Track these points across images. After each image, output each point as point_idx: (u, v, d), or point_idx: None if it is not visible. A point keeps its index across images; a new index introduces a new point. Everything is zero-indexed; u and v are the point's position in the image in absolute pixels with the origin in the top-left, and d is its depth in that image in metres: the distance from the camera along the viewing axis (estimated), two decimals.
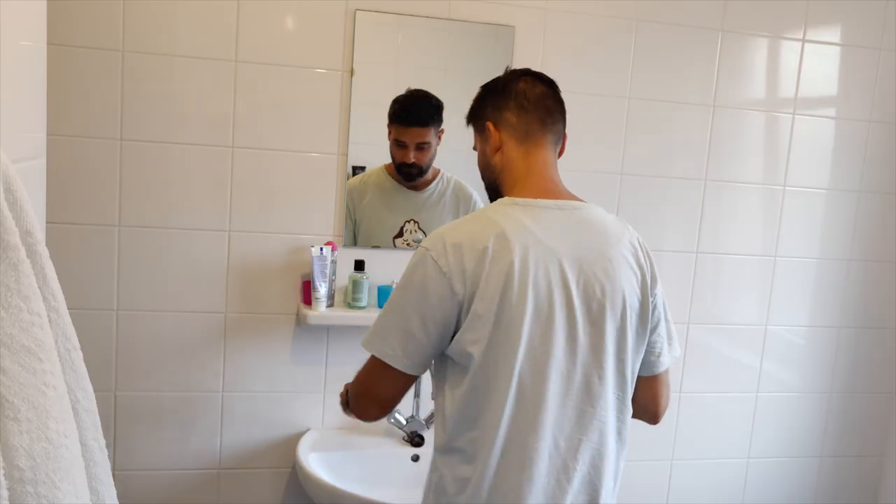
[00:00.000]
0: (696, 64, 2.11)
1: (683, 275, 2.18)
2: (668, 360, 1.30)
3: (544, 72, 1.31)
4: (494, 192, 1.30)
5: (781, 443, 2.33)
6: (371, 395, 1.26)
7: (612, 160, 2.09)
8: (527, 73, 1.30)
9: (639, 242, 1.26)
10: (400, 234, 2.00)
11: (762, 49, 2.16)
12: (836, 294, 2.30)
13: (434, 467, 1.26)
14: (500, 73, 1.36)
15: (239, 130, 1.87)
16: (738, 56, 2.13)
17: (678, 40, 2.08)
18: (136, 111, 1.80)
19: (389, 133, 1.96)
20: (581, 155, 2.01)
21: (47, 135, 1.20)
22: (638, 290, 1.22)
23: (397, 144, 1.96)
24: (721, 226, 2.19)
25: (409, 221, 2.00)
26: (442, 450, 1.23)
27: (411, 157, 1.95)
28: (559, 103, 1.29)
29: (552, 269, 1.15)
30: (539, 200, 1.20)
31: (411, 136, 1.95)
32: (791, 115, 2.19)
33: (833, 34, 2.19)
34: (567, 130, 1.32)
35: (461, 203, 2.03)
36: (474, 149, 1.35)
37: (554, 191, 1.25)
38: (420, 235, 2.00)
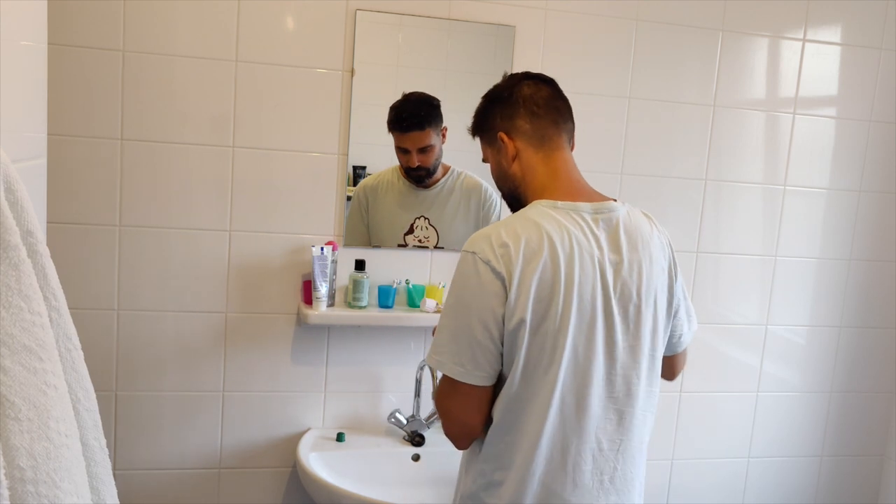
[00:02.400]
0: (696, 64, 2.11)
1: (683, 275, 2.17)
2: (688, 339, 1.33)
3: (544, 72, 1.31)
4: (516, 201, 1.27)
5: (782, 442, 2.33)
6: (453, 419, 1.19)
7: (612, 160, 2.09)
8: (528, 77, 1.27)
9: (665, 238, 1.27)
10: (410, 231, 2.00)
11: (762, 49, 2.16)
12: (836, 294, 2.30)
13: (465, 472, 1.24)
14: (500, 72, 1.35)
15: (239, 130, 1.87)
16: (738, 56, 2.13)
17: (678, 40, 2.08)
18: (136, 111, 1.80)
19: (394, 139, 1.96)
20: (581, 155, 1.98)
21: (47, 135, 1.20)
22: (666, 288, 1.24)
23: (400, 150, 1.96)
24: (721, 226, 2.19)
25: (419, 218, 2.00)
26: (474, 454, 1.21)
27: (415, 161, 1.95)
28: (565, 101, 1.28)
29: (594, 275, 1.14)
30: (577, 203, 1.18)
31: (412, 141, 1.95)
32: (791, 115, 2.19)
33: (833, 34, 2.19)
34: None
35: (472, 194, 2.03)
36: (484, 160, 1.31)
37: (585, 192, 1.22)
38: (430, 232, 2.00)
